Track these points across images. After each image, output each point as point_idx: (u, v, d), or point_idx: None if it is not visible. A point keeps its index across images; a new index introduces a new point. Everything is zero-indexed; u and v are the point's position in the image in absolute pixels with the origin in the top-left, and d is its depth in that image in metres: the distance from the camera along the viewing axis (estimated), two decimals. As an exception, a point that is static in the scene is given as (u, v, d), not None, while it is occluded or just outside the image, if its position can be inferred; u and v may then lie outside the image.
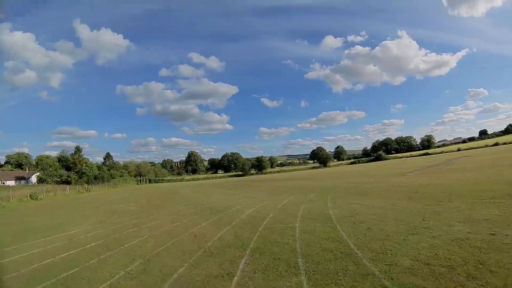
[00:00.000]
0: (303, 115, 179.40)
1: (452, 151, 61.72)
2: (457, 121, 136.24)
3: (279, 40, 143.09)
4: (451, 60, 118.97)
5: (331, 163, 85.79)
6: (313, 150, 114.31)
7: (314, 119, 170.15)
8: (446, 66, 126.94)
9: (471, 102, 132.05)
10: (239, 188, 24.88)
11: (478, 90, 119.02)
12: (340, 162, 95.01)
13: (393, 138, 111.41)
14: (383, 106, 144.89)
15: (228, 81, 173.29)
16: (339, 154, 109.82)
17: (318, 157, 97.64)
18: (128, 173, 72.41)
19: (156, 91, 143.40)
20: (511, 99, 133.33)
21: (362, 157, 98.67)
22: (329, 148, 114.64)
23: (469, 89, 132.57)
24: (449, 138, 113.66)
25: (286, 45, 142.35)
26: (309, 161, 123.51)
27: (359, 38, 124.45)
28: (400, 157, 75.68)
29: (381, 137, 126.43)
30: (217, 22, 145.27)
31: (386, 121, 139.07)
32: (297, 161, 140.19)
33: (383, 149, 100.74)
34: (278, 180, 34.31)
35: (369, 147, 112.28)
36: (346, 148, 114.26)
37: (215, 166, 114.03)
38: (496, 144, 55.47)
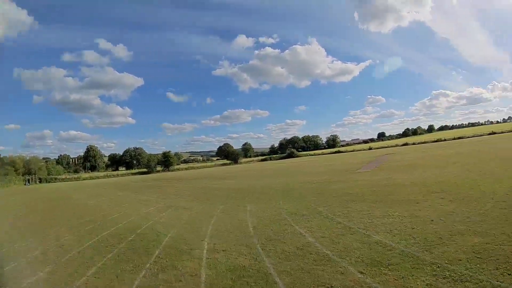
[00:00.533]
0: (208, 112, 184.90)
1: (364, 150, 68.67)
2: (356, 124, 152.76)
3: (192, 34, 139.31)
4: (355, 69, 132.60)
5: (242, 160, 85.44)
6: (220, 147, 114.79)
7: (219, 116, 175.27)
8: (350, 74, 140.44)
9: (369, 108, 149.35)
10: (150, 191, 21.11)
11: (377, 97, 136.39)
12: (251, 159, 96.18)
13: (291, 137, 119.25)
14: (287, 106, 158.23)
15: (134, 72, 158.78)
16: (246, 151, 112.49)
17: (227, 153, 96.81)
18: (15, 171, 56.74)
19: (56, 77, 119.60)
20: (405, 107, 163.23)
21: (270, 154, 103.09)
22: (234, 146, 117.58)
23: (369, 96, 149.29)
24: (348, 139, 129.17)
25: (198, 40, 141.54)
26: (213, 158, 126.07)
27: (270, 40, 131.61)
28: (312, 155, 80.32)
29: (284, 136, 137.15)
30: (130, 8, 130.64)
31: (289, 121, 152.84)
32: (201, 158, 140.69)
33: (289, 147, 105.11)
34: (196, 178, 31.26)
35: (273, 145, 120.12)
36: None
37: (116, 162, 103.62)
38: (406, 144, 65.52)
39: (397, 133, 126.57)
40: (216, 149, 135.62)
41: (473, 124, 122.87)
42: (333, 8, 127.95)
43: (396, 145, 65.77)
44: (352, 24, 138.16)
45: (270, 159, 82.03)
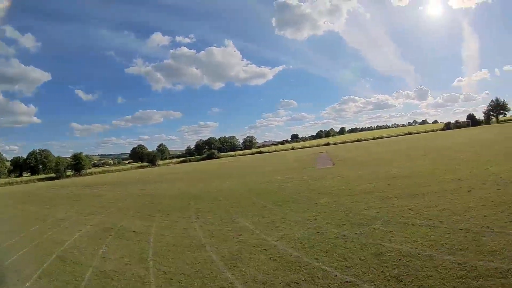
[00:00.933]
0: (120, 112, 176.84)
1: (287, 150, 70.28)
2: (268, 126, 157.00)
3: (106, 28, 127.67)
4: (269, 73, 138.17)
5: (159, 162, 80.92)
6: (134, 149, 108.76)
7: (130, 117, 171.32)
8: (263, 78, 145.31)
9: (282, 111, 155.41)
10: (66, 203, 15.38)
11: (289, 101, 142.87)
12: (169, 161, 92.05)
13: (206, 139, 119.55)
14: (200, 108, 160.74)
15: (41, 66, 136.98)
16: (162, 153, 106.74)
17: (142, 155, 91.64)
18: None
19: None
20: (315, 111, 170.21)
21: (187, 156, 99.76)
22: (147, 148, 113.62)
23: (281, 100, 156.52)
24: (260, 141, 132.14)
25: (113, 35, 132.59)
26: (125, 160, 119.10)
27: (187, 40, 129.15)
28: (233, 155, 79.73)
29: (196, 138, 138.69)
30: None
31: (202, 123, 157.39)
32: (112, 161, 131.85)
33: (206, 148, 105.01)
34: (120, 184, 25.25)
35: (189, 146, 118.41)
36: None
37: (19, 167, 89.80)
38: (328, 143, 70.04)
39: (310, 135, 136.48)
40: (127, 152, 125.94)
41: (380, 127, 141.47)
42: (251, 12, 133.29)
43: (318, 145, 70.07)
44: (270, 29, 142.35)
45: (190, 161, 78.55)
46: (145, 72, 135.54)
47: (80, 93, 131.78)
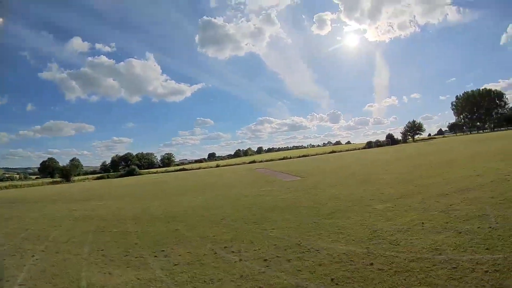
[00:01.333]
0: (28, 121, 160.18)
1: (212, 167, 68.74)
2: (184, 144, 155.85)
3: (23, 26, 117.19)
4: (188, 90, 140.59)
5: (75, 178, 73.81)
6: (44, 162, 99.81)
7: (40, 127, 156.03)
8: (182, 95, 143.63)
9: (198, 129, 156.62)
10: None
11: (206, 119, 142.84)
12: (85, 176, 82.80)
13: (121, 154, 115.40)
14: (115, 123, 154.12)
15: None
16: (75, 167, 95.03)
17: (53, 171, 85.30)
18: None
19: None
20: (231, 130, 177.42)
21: (102, 172, 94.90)
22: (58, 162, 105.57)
23: (198, 118, 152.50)
24: (176, 160, 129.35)
25: (29, 34, 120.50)
26: (31, 176, 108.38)
27: (107, 49, 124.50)
28: (154, 172, 75.78)
29: (110, 154, 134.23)
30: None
31: (116, 138, 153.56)
32: (17, 176, 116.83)
33: (123, 164, 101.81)
34: (42, 202, 18.08)
35: (105, 162, 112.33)
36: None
37: None
38: (254, 161, 70.27)
39: (228, 154, 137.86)
40: (34, 166, 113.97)
41: (297, 147, 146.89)
42: (175, 27, 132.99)
43: (244, 162, 70.65)
44: (192, 46, 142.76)
45: (108, 177, 72.21)
46: (59, 79, 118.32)
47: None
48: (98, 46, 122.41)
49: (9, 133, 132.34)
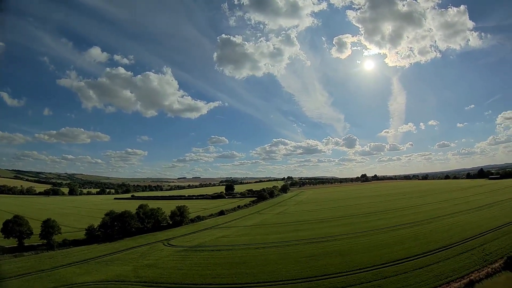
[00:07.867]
0: (44, 125, 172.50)
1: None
2: (197, 161, 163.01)
3: (44, 31, 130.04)
4: (204, 107, 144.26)
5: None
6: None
7: (55, 132, 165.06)
8: (198, 112, 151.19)
9: (212, 147, 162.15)
10: None
11: (220, 137, 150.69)
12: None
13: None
14: (130, 134, 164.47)
15: None
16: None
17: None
18: None
19: None
20: (245, 150, 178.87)
21: (86, 241, 53.06)
22: (68, 169, 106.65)
23: (213, 136, 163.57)
24: (189, 176, 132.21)
25: (49, 40, 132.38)
26: (38, 184, 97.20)
27: (125, 61, 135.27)
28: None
29: (123, 165, 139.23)
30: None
31: (130, 149, 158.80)
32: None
33: (118, 226, 58.71)
34: None
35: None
36: (84, 171, 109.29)
37: None
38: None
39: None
40: (46, 171, 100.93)
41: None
42: (194, 44, 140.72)
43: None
44: (210, 63, 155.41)
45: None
46: (77, 87, 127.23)
47: (5, 96, 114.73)
48: (116, 57, 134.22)
49: (25, 134, 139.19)
